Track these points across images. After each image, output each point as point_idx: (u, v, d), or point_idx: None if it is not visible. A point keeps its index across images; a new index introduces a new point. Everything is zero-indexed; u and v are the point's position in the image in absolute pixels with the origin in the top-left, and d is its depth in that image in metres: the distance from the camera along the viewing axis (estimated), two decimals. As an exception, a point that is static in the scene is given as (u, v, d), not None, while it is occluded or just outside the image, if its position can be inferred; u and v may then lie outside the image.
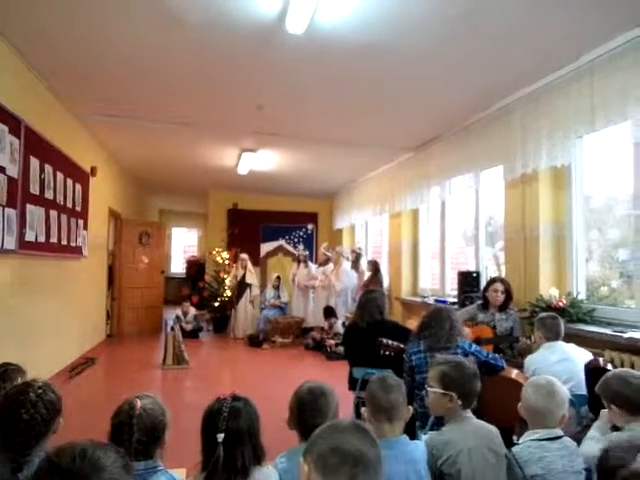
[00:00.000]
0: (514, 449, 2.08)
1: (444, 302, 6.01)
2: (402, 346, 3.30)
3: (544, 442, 2.04)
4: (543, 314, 3.46)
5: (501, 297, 4.09)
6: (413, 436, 2.27)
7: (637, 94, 3.54)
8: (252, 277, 9.33)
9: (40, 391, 1.75)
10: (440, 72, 4.45)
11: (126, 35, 3.91)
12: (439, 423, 2.37)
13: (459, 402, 2.14)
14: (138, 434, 1.65)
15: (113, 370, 6.62)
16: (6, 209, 4.14)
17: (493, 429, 2.16)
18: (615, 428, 2.13)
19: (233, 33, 3.80)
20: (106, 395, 5.09)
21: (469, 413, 2.19)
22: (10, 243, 4.26)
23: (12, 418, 1.68)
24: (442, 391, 2.18)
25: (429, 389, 2.26)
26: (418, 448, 1.97)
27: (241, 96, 5.25)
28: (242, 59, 4.29)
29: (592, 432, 2.21)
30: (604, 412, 2.21)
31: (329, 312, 8.21)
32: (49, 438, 1.75)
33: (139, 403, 1.72)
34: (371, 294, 4.08)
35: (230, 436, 1.64)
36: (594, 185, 4.64)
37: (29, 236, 4.65)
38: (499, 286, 4.12)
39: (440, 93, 4.97)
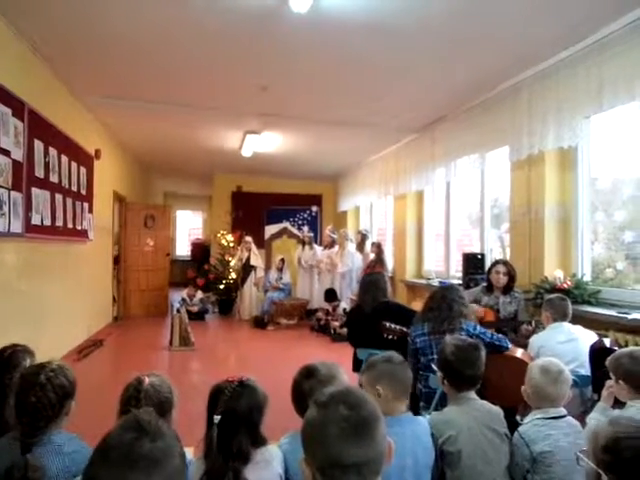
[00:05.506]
0: (520, 428, 2.11)
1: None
2: (405, 330, 3.29)
3: (550, 420, 2.08)
4: (552, 295, 3.47)
5: (503, 279, 4.08)
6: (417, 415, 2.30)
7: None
8: (256, 259, 9.35)
9: (51, 374, 1.75)
10: (445, 50, 4.38)
11: (128, 17, 3.86)
12: (443, 403, 2.39)
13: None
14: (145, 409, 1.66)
15: (120, 352, 6.70)
16: (12, 192, 4.15)
17: (495, 409, 2.18)
18: (617, 405, 2.16)
19: (236, 12, 3.74)
20: (113, 376, 5.14)
21: (472, 394, 2.22)
22: (16, 226, 4.28)
23: (22, 399, 1.70)
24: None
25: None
26: (421, 424, 2.01)
27: (245, 77, 5.19)
28: (246, 39, 4.23)
29: (594, 414, 2.23)
30: (604, 394, 2.23)
31: (331, 295, 8.23)
32: (60, 421, 1.76)
33: (147, 379, 1.75)
34: (371, 276, 4.08)
35: (227, 419, 1.64)
36: (600, 166, 4.59)
37: (35, 219, 4.67)
38: (501, 268, 4.11)
39: (445, 72, 4.90)
